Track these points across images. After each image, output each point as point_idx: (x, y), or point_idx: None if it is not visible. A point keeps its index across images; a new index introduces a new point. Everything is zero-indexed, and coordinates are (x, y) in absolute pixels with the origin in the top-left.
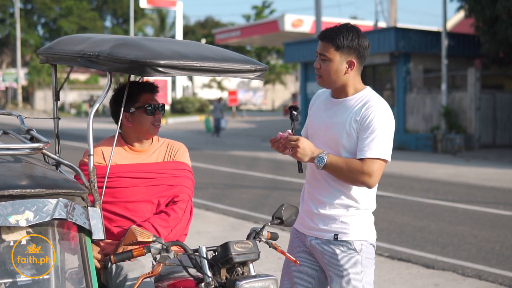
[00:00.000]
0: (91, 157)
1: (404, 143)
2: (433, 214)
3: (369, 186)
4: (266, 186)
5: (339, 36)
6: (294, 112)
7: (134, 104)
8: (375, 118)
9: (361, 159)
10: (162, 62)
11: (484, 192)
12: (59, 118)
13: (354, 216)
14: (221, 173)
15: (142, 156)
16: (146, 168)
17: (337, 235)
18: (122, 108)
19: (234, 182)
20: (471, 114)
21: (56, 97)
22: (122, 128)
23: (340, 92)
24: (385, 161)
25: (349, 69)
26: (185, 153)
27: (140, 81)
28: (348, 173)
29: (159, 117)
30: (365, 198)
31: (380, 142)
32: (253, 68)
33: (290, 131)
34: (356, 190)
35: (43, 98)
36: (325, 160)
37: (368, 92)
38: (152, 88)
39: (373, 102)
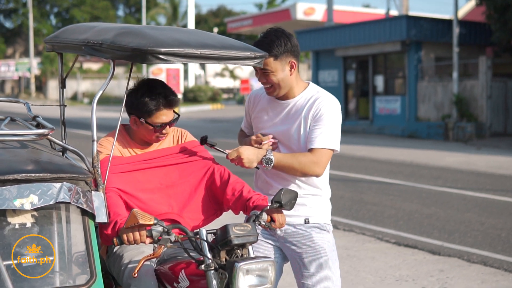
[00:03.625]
0: (94, 142)
1: (415, 132)
2: (441, 202)
3: (318, 175)
4: None
5: (273, 46)
6: (209, 142)
7: (147, 118)
8: (325, 111)
9: (310, 149)
10: (163, 49)
11: (493, 180)
12: (65, 106)
13: (320, 203)
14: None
15: (150, 150)
16: (164, 152)
17: (308, 219)
18: (122, 107)
19: (245, 170)
20: (482, 102)
21: (62, 84)
22: (130, 123)
23: (288, 93)
24: (333, 150)
25: (292, 70)
26: (190, 134)
27: (165, 87)
28: (299, 166)
29: (167, 131)
30: (325, 186)
31: (329, 133)
32: (253, 55)
33: (224, 152)
34: (317, 181)
35: (56, 87)
36: (273, 160)
37: (314, 88)
38: (172, 104)
39: (323, 98)
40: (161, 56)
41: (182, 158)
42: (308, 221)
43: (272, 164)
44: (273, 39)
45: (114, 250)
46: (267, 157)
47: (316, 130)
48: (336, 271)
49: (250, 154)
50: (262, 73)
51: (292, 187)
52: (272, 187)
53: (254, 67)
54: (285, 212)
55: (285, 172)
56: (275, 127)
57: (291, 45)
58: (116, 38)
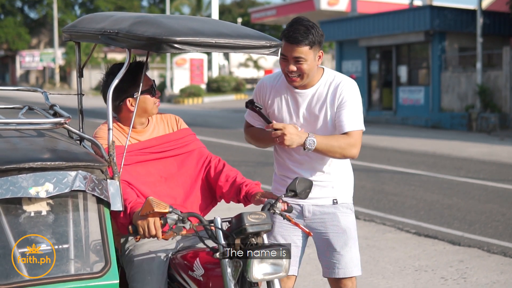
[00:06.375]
0: (111, 131)
1: (439, 122)
2: (463, 192)
3: (355, 157)
4: None
5: (309, 35)
6: (256, 106)
7: (137, 88)
8: (349, 95)
9: (345, 133)
10: (178, 38)
11: None
12: (83, 94)
13: (345, 183)
14: (254, 151)
15: (144, 135)
16: (162, 140)
17: (336, 199)
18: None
19: (267, 160)
20: (506, 93)
21: (80, 74)
22: (121, 113)
23: (308, 82)
24: (362, 130)
25: (319, 60)
26: (183, 121)
27: (134, 61)
28: (339, 149)
29: (159, 95)
30: (349, 168)
31: (357, 115)
32: (268, 44)
33: (268, 120)
34: (337, 164)
35: None
36: (316, 142)
37: (330, 72)
38: (147, 67)
39: (343, 81)
40: (176, 45)
41: (180, 148)
42: (336, 202)
43: (315, 145)
44: (309, 28)
45: (126, 253)
46: (310, 138)
47: (345, 114)
48: (358, 251)
49: (293, 134)
50: (295, 61)
51: (317, 174)
52: (295, 174)
53: (283, 54)
54: (312, 194)
55: (324, 154)
56: (301, 117)
57: (321, 35)
58: (132, 27)
